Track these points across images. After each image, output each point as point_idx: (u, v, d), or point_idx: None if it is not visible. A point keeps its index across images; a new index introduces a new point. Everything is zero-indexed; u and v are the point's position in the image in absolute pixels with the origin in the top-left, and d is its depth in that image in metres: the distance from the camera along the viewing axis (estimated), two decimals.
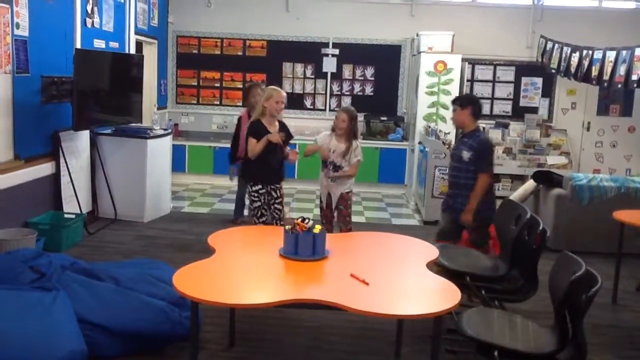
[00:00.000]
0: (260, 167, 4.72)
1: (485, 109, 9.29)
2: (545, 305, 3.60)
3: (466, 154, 4.45)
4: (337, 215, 4.98)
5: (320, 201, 5.08)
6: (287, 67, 9.34)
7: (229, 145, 8.79)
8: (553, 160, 8.83)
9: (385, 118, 9.08)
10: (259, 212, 4.83)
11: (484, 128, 8.95)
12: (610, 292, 4.71)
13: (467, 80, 8.92)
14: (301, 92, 9.34)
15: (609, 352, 3.81)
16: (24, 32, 5.00)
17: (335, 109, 9.27)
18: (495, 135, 9.07)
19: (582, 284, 2.61)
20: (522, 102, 9.29)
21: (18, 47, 4.93)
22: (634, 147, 9.32)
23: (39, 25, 5.23)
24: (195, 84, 9.46)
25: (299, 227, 3.17)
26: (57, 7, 5.59)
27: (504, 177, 8.93)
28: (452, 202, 4.57)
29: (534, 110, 9.27)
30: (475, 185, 4.41)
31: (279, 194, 4.87)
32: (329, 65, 9.27)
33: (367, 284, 2.83)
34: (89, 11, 6.21)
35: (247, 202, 5.35)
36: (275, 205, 4.87)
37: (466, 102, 4.54)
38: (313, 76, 9.33)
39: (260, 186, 4.78)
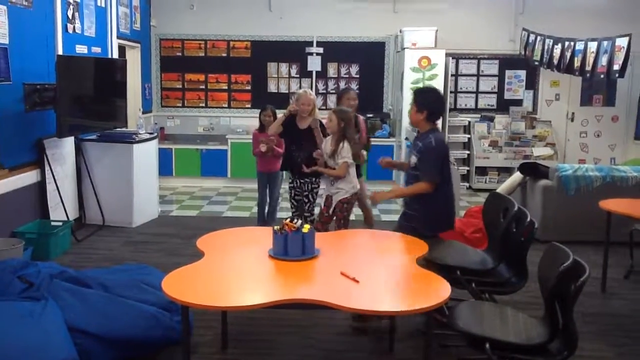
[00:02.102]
0: (287, 158, 5.27)
1: (470, 103, 9.36)
2: (535, 296, 3.62)
3: (414, 159, 3.97)
4: (335, 218, 4.92)
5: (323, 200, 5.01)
6: (271, 67, 9.32)
7: (215, 148, 8.90)
8: (539, 151, 8.90)
9: (371, 115, 9.07)
10: (290, 204, 5.35)
11: (469, 122, 9.09)
12: (599, 280, 4.75)
13: (452, 75, 8.95)
14: (286, 91, 9.32)
15: (599, 341, 3.84)
16: (3, 39, 4.95)
17: (322, 107, 9.29)
18: (480, 128, 9.14)
19: (571, 274, 2.63)
20: (507, 95, 9.36)
21: None
22: (617, 137, 9.41)
23: (19, 33, 5.18)
24: (180, 86, 9.42)
25: (287, 227, 3.16)
26: (37, 14, 5.54)
27: (491, 170, 8.99)
28: (406, 211, 4.10)
29: (519, 102, 9.34)
30: (413, 185, 3.95)
31: (308, 187, 5.13)
32: (314, 64, 9.27)
33: (358, 281, 2.83)
34: (70, 17, 6.15)
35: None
36: (302, 199, 5.18)
37: (422, 106, 3.96)
38: (298, 75, 9.33)
39: (290, 179, 5.28)
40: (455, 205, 4.36)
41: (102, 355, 3.39)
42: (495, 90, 9.34)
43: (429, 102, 3.98)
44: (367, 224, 6.12)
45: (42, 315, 3.31)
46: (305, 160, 4.97)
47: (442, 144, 3.98)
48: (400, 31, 8.54)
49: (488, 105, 9.38)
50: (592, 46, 6.56)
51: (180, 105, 9.47)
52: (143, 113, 8.62)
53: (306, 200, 5.14)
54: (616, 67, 6.10)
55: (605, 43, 6.33)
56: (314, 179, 5.12)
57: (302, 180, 5.11)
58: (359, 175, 5.24)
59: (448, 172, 3.99)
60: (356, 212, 6.27)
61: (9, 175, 5.06)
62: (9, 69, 5.03)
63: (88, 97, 6.18)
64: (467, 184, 8.97)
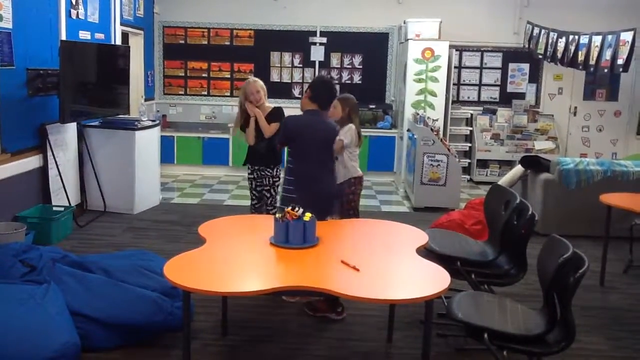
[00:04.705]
0: (248, 149, 5.02)
1: (473, 95, 9.35)
2: (534, 288, 3.65)
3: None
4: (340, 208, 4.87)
5: None
6: (274, 56, 9.31)
7: (217, 136, 8.90)
8: (540, 145, 8.90)
9: (373, 106, 9.09)
10: (250, 195, 5.14)
11: (471, 115, 9.07)
12: (598, 274, 4.77)
13: (455, 67, 8.93)
14: (289, 81, 9.32)
15: (597, 333, 3.87)
16: (7, 24, 4.95)
17: None
18: (483, 121, 9.13)
19: (570, 266, 2.65)
20: (510, 88, 9.34)
21: (2, 40, 4.87)
22: (620, 131, 9.40)
23: (23, 17, 5.17)
24: (183, 74, 9.42)
25: (289, 216, 3.18)
26: None
27: (493, 163, 9.00)
28: None
29: (521, 96, 9.33)
30: None
31: (269, 181, 4.99)
32: (317, 54, 9.25)
33: (358, 270, 2.85)
34: (74, 2, 6.14)
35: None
36: (264, 192, 5.03)
37: (309, 85, 4.34)
38: (301, 65, 9.32)
39: (249, 170, 5.05)
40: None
41: (103, 340, 3.42)
42: (498, 83, 9.33)
43: (315, 85, 4.25)
44: None
45: (44, 299, 3.34)
46: (266, 150, 4.87)
47: (289, 124, 4.15)
48: (404, 22, 8.52)
49: (491, 98, 9.37)
50: (597, 40, 6.54)
51: (182, 93, 9.46)
52: (145, 100, 8.63)
53: (268, 195, 5.01)
54: (620, 61, 6.08)
55: (609, 37, 6.31)
56: (275, 172, 4.97)
57: (262, 173, 4.97)
58: None
59: (306, 154, 4.07)
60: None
61: (12, 159, 5.07)
62: (12, 54, 5.02)
63: (91, 83, 6.18)
64: (468, 177, 8.98)
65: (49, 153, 5.58)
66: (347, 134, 4.70)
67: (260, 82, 4.98)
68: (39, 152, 5.51)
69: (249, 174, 5.09)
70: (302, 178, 4.05)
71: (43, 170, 5.57)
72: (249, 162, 5.05)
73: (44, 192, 5.60)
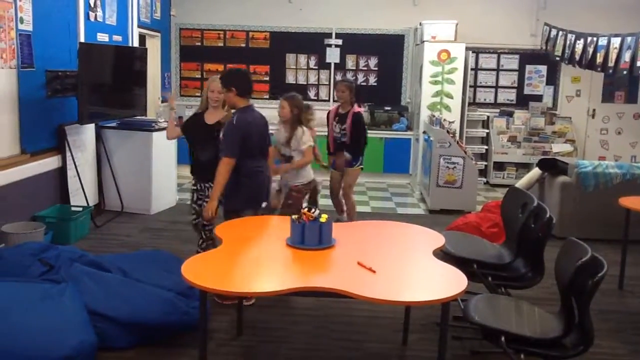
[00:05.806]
0: (193, 160, 4.47)
1: (490, 97, 9.30)
2: (551, 292, 3.62)
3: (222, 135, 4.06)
4: (286, 209, 4.53)
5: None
6: (290, 58, 9.33)
7: None
8: (558, 147, 8.82)
9: (389, 108, 9.07)
10: (191, 209, 4.52)
11: (487, 117, 9.03)
12: (616, 278, 4.72)
13: (471, 69, 8.87)
14: (305, 83, 9.33)
15: (614, 338, 3.82)
16: (27, 26, 5.01)
17: None
18: (499, 123, 9.08)
19: (588, 269, 2.62)
20: (527, 90, 9.27)
21: (22, 42, 4.94)
22: (639, 134, 9.29)
23: (43, 20, 5.24)
24: (199, 76, 9.47)
25: (305, 217, 3.18)
26: (60, 1, 5.59)
27: (509, 166, 8.93)
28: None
29: (539, 98, 9.25)
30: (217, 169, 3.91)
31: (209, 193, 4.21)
32: (333, 55, 9.26)
33: (374, 271, 2.84)
34: (92, 5, 6.21)
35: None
36: (204, 205, 4.17)
37: (229, 83, 4.03)
38: (316, 67, 9.32)
39: (193, 181, 4.48)
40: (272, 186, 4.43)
41: (119, 339, 3.45)
42: (515, 85, 9.27)
43: (232, 79, 4.07)
44: (347, 215, 5.95)
45: (62, 298, 3.38)
46: (209, 162, 4.13)
47: (243, 123, 4.00)
48: (420, 24, 8.49)
49: (507, 100, 9.31)
50: (615, 42, 6.47)
51: (199, 94, 9.48)
52: (162, 102, 8.68)
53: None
54: (639, 63, 6.02)
55: (629, 39, 6.24)
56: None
57: (206, 185, 4.28)
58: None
59: (257, 150, 4.08)
60: (372, 204, 6.26)
61: (31, 160, 5.13)
62: (32, 56, 5.09)
63: (109, 85, 6.24)
64: (484, 179, 8.92)
65: (68, 154, 5.65)
66: (310, 137, 4.64)
67: None
68: (57, 152, 5.57)
69: (192, 185, 4.47)
70: (247, 172, 4.02)
71: (61, 171, 5.63)
72: (193, 174, 4.46)
73: (62, 192, 5.66)
